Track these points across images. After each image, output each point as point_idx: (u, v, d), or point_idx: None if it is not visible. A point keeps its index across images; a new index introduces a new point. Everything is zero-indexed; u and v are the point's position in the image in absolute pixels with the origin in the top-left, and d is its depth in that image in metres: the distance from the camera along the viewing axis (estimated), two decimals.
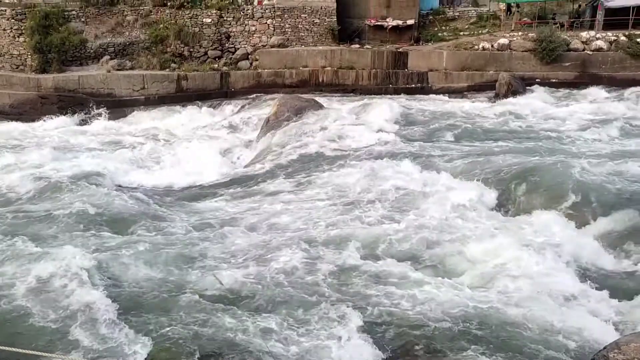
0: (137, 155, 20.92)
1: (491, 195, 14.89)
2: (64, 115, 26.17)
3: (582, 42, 30.02)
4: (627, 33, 30.10)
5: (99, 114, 26.39)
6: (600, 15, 31.39)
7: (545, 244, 12.18)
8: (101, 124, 25.64)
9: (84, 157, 19.61)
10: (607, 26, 31.13)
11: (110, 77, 27.66)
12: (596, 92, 27.38)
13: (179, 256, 12.27)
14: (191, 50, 30.43)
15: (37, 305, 10.25)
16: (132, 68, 28.89)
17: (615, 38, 29.92)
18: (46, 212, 14.40)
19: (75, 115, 26.25)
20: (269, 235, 13.28)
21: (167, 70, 28.84)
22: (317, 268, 11.53)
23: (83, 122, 26.05)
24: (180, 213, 15.03)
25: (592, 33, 30.54)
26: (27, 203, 15.28)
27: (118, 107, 27.24)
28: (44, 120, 25.56)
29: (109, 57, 29.05)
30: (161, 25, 29.94)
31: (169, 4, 30.62)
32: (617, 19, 30.98)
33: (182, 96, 28.21)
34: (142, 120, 26.29)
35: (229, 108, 27.37)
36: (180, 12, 30.37)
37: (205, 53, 30.67)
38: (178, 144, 22.14)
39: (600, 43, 29.78)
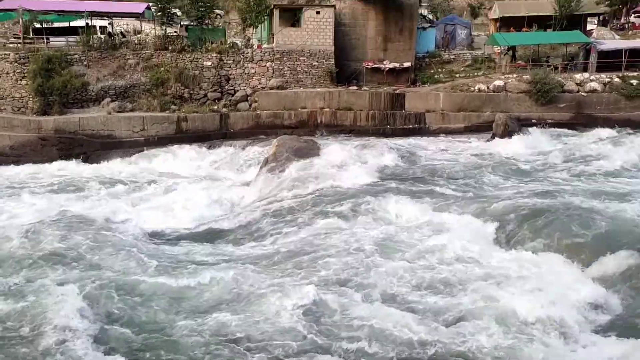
0: (133, 196, 20.85)
1: (491, 235, 14.81)
2: (64, 157, 26.25)
3: (577, 83, 30.57)
4: (620, 75, 30.69)
5: (99, 155, 26.47)
6: (593, 58, 32.08)
7: (548, 284, 12.04)
8: (101, 165, 25.67)
9: (81, 199, 19.54)
10: (600, 68, 31.79)
11: (111, 119, 27.92)
12: (591, 132, 27.66)
13: (172, 301, 12.07)
14: (191, 92, 30.85)
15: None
16: (132, 110, 29.20)
17: (609, 80, 30.48)
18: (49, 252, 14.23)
19: (75, 156, 26.32)
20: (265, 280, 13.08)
21: (167, 112, 29.15)
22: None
23: (82, 164, 26.10)
24: (175, 255, 14.85)
25: (586, 75, 31.13)
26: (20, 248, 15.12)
27: (118, 148, 27.39)
28: (45, 163, 25.63)
29: (109, 99, 29.41)
30: (162, 68, 30.43)
31: (170, 47, 31.23)
32: (609, 61, 31.68)
33: (181, 137, 28.39)
34: (141, 161, 26.36)
35: (228, 149, 27.50)
36: (181, 56, 30.93)
37: (205, 95, 31.07)
38: (176, 185, 22.10)
39: (595, 85, 30.31)
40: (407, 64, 34.17)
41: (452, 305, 11.64)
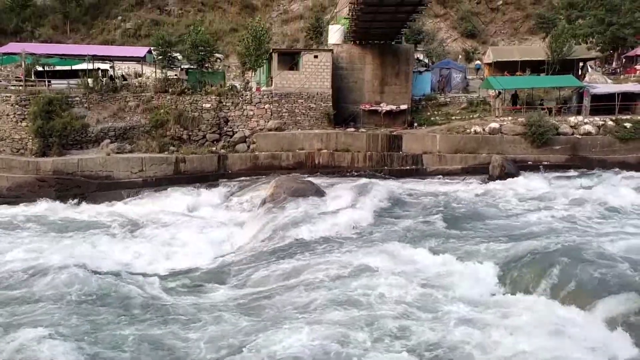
0: (127, 237, 20.70)
1: (492, 278, 14.67)
2: (61, 198, 26.23)
3: (571, 126, 30.99)
4: (614, 118, 31.16)
5: (96, 196, 26.46)
6: (587, 101, 32.63)
7: (550, 329, 11.84)
8: (97, 207, 25.60)
9: (76, 241, 19.38)
10: (594, 111, 32.31)
11: (109, 160, 28.05)
12: (586, 173, 27.88)
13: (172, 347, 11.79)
14: (190, 133, 31.13)
15: None
16: (131, 151, 29.38)
17: (603, 123, 30.93)
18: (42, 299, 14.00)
19: (72, 197, 26.30)
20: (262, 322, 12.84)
21: (165, 153, 29.34)
22: None
23: (78, 205, 26.05)
24: (172, 298, 14.62)
25: (580, 118, 31.60)
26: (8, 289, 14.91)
27: (115, 189, 27.41)
28: (38, 203, 25.57)
29: (109, 140, 29.63)
30: (162, 110, 30.80)
31: (170, 90, 31.71)
32: (602, 104, 32.22)
33: (179, 178, 28.49)
34: (139, 202, 26.35)
35: (226, 190, 27.57)
36: (181, 98, 31.36)
37: (204, 136, 31.34)
38: (171, 226, 21.99)
39: (589, 127, 30.72)
40: (403, 107, 34.68)
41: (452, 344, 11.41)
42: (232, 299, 14.48)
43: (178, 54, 36.05)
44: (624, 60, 42.84)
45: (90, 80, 31.05)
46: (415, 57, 39.92)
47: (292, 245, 18.33)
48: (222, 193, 27.16)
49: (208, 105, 31.54)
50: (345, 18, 34.83)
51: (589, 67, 42.00)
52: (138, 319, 13.18)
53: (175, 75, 35.67)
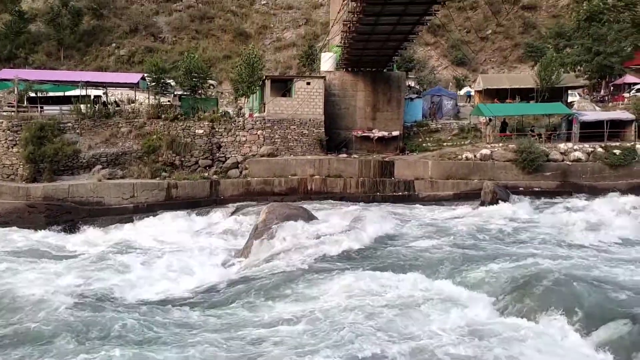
0: (119, 264, 20.39)
1: (488, 304, 14.58)
2: (51, 224, 25.98)
3: (561, 153, 31.31)
4: (603, 145, 31.53)
5: (86, 223, 26.23)
6: (576, 128, 33.05)
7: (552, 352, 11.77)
8: (88, 233, 25.34)
9: (63, 268, 19.10)
10: (583, 138, 32.72)
11: (101, 185, 27.90)
12: (577, 200, 28.03)
13: None
14: (182, 159, 31.12)
15: None
16: (123, 177, 29.28)
17: (593, 149, 31.27)
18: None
19: (62, 223, 26.06)
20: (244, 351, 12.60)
21: (157, 178, 29.25)
22: None
23: (68, 232, 25.78)
24: (163, 326, 14.36)
25: (570, 145, 31.96)
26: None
27: (106, 215, 27.19)
28: (31, 229, 25.29)
29: (100, 166, 29.54)
30: (154, 136, 30.82)
31: (163, 116, 31.79)
32: (592, 131, 32.64)
33: (171, 204, 28.34)
34: (128, 228, 26.08)
35: (218, 216, 27.40)
36: (173, 124, 31.45)
37: (197, 162, 31.33)
38: (163, 253, 21.72)
39: (579, 154, 31.04)
40: (395, 133, 34.96)
41: None
42: (216, 330, 14.22)
43: (171, 80, 36.32)
44: (611, 88, 43.61)
45: (82, 106, 31.10)
46: (407, 84, 40.44)
47: (285, 272, 18.13)
48: (214, 219, 26.98)
49: (201, 131, 31.63)
50: (337, 46, 35.34)
51: (576, 95, 42.65)
52: (123, 342, 12.93)
53: (169, 101, 35.85)
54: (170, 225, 26.00)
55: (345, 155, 33.04)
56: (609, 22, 41.97)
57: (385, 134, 34.88)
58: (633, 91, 41.41)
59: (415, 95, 40.64)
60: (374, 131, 35.13)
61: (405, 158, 32.50)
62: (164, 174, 29.73)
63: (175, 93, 38.01)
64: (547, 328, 13.09)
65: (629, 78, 43.00)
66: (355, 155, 32.89)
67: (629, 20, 42.31)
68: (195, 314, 15.30)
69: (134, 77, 37.15)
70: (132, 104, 35.48)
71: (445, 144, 34.55)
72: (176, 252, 21.80)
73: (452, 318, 13.68)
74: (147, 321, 14.46)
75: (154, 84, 34.16)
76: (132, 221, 26.87)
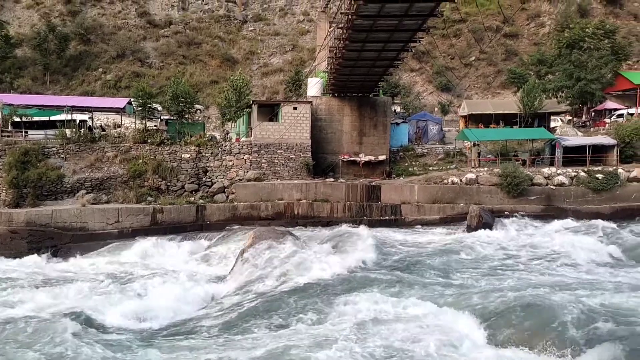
0: (105, 292, 20.02)
1: (474, 330, 14.49)
2: (34, 250, 25.52)
3: (545, 177, 31.66)
4: (586, 169, 31.97)
5: (70, 248, 25.79)
6: (559, 153, 33.53)
7: None
8: (71, 260, 24.88)
9: (43, 296, 18.69)
10: (566, 163, 33.17)
11: (85, 211, 27.54)
12: (562, 223, 28.25)
13: None
14: (169, 184, 30.94)
15: None
16: (107, 202, 28.98)
17: (576, 174, 31.68)
18: None
19: (45, 250, 25.60)
20: None
21: (143, 203, 28.98)
22: None
23: (51, 257, 25.32)
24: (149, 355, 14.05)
25: (553, 169, 32.36)
26: None
27: (90, 240, 26.78)
28: (14, 257, 24.82)
29: (85, 191, 29.23)
30: (140, 161, 30.66)
31: (149, 140, 31.69)
32: (574, 156, 33.13)
33: (156, 229, 28.04)
34: (113, 254, 25.65)
35: (204, 241, 27.11)
36: (160, 148, 31.35)
37: (183, 187, 31.16)
38: (147, 279, 21.37)
39: (562, 178, 31.43)
40: (382, 157, 35.18)
41: None
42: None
43: (158, 105, 36.32)
44: (593, 113, 44.49)
45: (68, 131, 30.91)
46: (393, 109, 40.88)
47: (272, 297, 17.93)
48: (200, 244, 26.69)
49: (187, 156, 31.55)
50: (324, 71, 35.73)
51: (558, 120, 43.41)
52: None
53: (155, 126, 35.80)
54: (154, 251, 25.64)
55: (332, 179, 33.09)
56: (589, 50, 43.05)
57: (372, 158, 35.09)
58: (614, 117, 42.27)
59: (401, 120, 41.05)
60: (360, 155, 35.33)
61: (392, 182, 32.63)
62: (149, 198, 29.48)
63: (161, 118, 38.00)
64: (533, 355, 13.03)
65: (610, 104, 43.95)
66: (342, 180, 32.96)
67: (609, 47, 43.45)
68: (164, 344, 14.92)
69: (120, 102, 37.11)
70: (118, 129, 35.39)
71: (431, 168, 34.81)
72: (159, 277, 21.45)
73: (433, 344, 13.55)
74: (113, 348, 14.15)
75: (140, 108, 34.14)
76: (116, 246, 26.42)
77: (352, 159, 35.21)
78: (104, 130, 34.92)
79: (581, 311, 14.49)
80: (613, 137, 34.26)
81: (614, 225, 27.03)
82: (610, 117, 42.46)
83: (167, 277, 21.60)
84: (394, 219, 30.47)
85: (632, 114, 41.04)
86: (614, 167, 32.11)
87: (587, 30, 44.08)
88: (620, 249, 23.32)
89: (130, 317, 17.17)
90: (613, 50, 43.86)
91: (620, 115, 41.75)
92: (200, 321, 16.89)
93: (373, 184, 31.99)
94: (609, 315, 14.28)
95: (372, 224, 29.67)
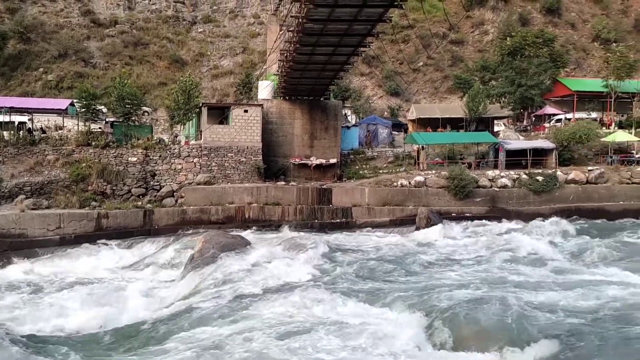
0: (47, 299, 19.17)
1: (417, 330, 14.76)
2: None
3: (489, 179, 32.77)
4: (527, 172, 33.32)
5: (7, 256, 24.52)
6: (502, 156, 34.79)
7: None
8: (8, 268, 23.66)
9: None
10: (509, 165, 34.46)
11: (24, 216, 26.30)
12: (505, 224, 29.31)
13: None
14: (114, 188, 30.01)
15: None
16: (48, 207, 27.78)
17: (518, 176, 32.96)
18: None
19: None
20: None
21: (86, 208, 27.97)
22: None
23: None
24: None
25: (497, 172, 33.54)
26: None
27: (29, 247, 25.57)
28: None
29: (24, 196, 27.92)
30: (84, 164, 29.59)
31: (93, 143, 30.64)
32: (516, 159, 34.48)
33: (101, 235, 27.14)
34: (53, 261, 24.60)
35: (152, 246, 26.50)
36: (104, 152, 30.37)
37: (129, 191, 30.29)
38: (91, 286, 20.62)
39: (505, 181, 32.61)
40: (333, 160, 35.42)
41: None
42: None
43: (103, 106, 35.19)
44: (533, 118, 46.45)
45: (5, 133, 29.46)
46: (343, 112, 41.26)
47: (222, 302, 17.66)
48: (148, 249, 26.04)
49: (134, 159, 30.71)
50: (274, 74, 35.64)
51: (502, 125, 45.08)
52: None
53: (100, 128, 34.65)
54: (97, 257, 24.78)
55: (283, 182, 33.03)
56: (529, 57, 44.96)
57: (323, 161, 35.27)
58: (553, 121, 44.29)
59: (352, 124, 41.49)
60: (311, 159, 35.44)
61: (343, 185, 32.91)
62: (93, 203, 28.48)
63: (107, 120, 36.82)
64: (472, 353, 13.35)
65: (549, 109, 46.04)
66: (294, 183, 32.96)
67: (547, 55, 45.53)
68: (118, 349, 14.50)
69: (62, 103, 35.74)
70: (60, 131, 33.96)
71: (381, 171, 35.33)
72: (102, 285, 20.73)
73: (378, 345, 13.71)
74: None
75: (84, 110, 32.96)
76: (57, 253, 25.37)
77: (303, 162, 35.27)
78: (44, 132, 33.44)
79: (521, 309, 14.99)
80: (552, 141, 35.87)
81: (553, 225, 28.26)
82: (549, 122, 44.47)
83: (111, 283, 20.92)
84: (345, 221, 30.71)
85: (569, 119, 43.13)
86: (553, 170, 33.61)
87: (527, 38, 46.05)
88: (557, 248, 24.43)
89: (68, 325, 16.52)
90: (551, 58, 46.00)
91: (559, 120, 43.81)
92: (142, 328, 16.43)
93: (324, 187, 32.15)
94: (546, 312, 14.89)
95: (323, 227, 29.84)
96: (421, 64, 56.67)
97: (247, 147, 32.79)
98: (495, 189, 32.41)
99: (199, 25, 60.33)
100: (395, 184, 32.16)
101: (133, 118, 33.78)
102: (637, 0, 67.37)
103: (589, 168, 34.17)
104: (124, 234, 27.59)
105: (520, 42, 45.63)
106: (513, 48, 45.74)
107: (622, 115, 44.65)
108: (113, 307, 18.21)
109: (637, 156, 36.73)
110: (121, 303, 18.62)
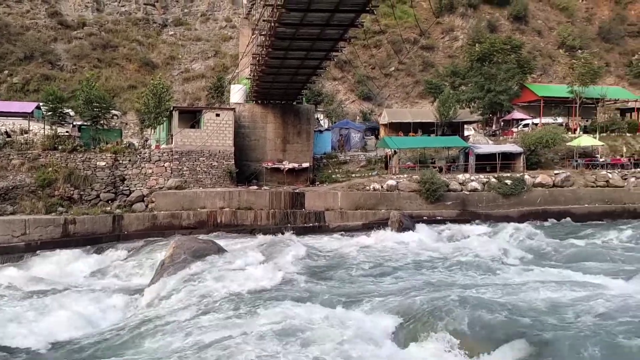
0: (8, 309, 18.57)
1: (389, 328, 14.86)
2: None
3: (460, 183, 33.28)
4: (496, 175, 33.95)
5: None
6: (472, 160, 35.39)
7: None
8: None
9: None
10: (479, 169, 35.07)
11: None
12: (475, 227, 29.76)
13: None
14: (82, 193, 29.35)
15: None
16: (13, 213, 26.99)
17: (487, 180, 33.57)
18: None
19: None
20: None
21: (53, 214, 27.27)
22: None
23: None
24: None
25: (467, 175, 34.10)
26: None
27: None
28: None
29: None
30: (50, 169, 28.87)
31: (60, 147, 29.93)
32: (486, 163, 35.12)
33: (68, 241, 26.46)
34: (18, 268, 23.86)
35: (121, 252, 25.90)
36: (72, 156, 29.70)
37: (98, 196, 29.67)
38: (57, 294, 20.07)
39: (475, 184, 33.17)
40: (305, 165, 35.42)
41: None
42: None
43: (70, 110, 34.45)
44: (502, 123, 47.38)
45: None
46: (316, 117, 41.34)
47: (193, 309, 17.42)
48: (117, 256, 25.49)
49: (103, 164, 30.11)
50: (247, 78, 35.51)
51: (471, 129, 45.87)
52: None
53: (67, 132, 33.89)
54: (64, 264, 24.13)
55: (255, 187, 32.85)
56: (498, 63, 45.89)
57: (296, 165, 35.24)
58: (520, 126, 45.27)
59: (324, 128, 41.60)
60: (284, 163, 35.36)
61: (316, 189, 32.92)
62: (60, 209, 27.79)
63: (74, 123, 36.04)
64: (441, 353, 13.50)
65: (517, 114, 47.04)
66: (266, 187, 32.81)
67: (515, 61, 46.56)
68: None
69: (27, 106, 34.84)
70: (26, 135, 33.07)
71: (353, 175, 35.50)
72: (68, 292, 20.18)
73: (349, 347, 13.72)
74: None
75: (50, 113, 32.17)
76: (21, 260, 24.63)
77: (276, 166, 35.17)
78: (9, 136, 32.49)
79: (491, 309, 15.25)
80: (520, 145, 36.68)
81: (520, 227, 28.85)
82: (517, 127, 45.44)
83: (77, 290, 20.39)
84: (318, 225, 30.71)
85: (536, 124, 44.16)
86: (521, 174, 34.35)
87: (495, 45, 47.01)
88: (524, 250, 24.94)
89: (28, 334, 16.02)
90: (519, 64, 47.05)
91: (526, 125, 44.81)
92: (111, 335, 16.07)
93: (297, 191, 32.10)
94: (515, 312, 15.14)
95: (296, 231, 29.69)
96: (393, 69, 57.29)
97: (219, 151, 32.52)
98: (466, 192, 32.91)
99: (169, 28, 59.73)
100: (367, 187, 32.35)
101: (102, 121, 33.14)
102: (601, 8, 69.62)
103: (556, 172, 35.05)
104: (92, 240, 26.99)
105: (489, 49, 46.56)
106: (482, 54, 46.63)
107: (587, 120, 45.94)
108: (79, 315, 17.76)
109: (601, 160, 37.86)
110: (88, 311, 18.19)
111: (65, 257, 24.86)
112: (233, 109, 34.33)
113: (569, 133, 41.60)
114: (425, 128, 43.08)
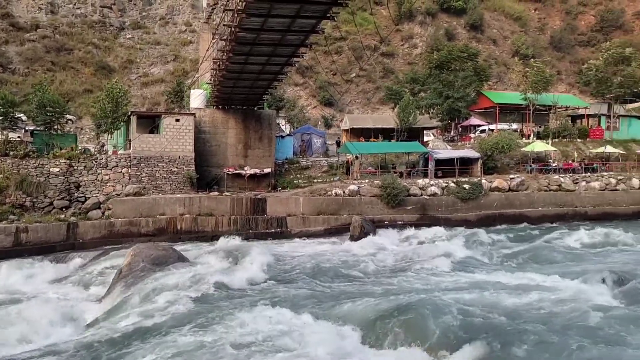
0: None
1: (351, 334, 14.91)
2: None
3: (420, 188, 33.81)
4: (455, 180, 34.66)
5: None
6: (431, 165, 36.03)
7: None
8: None
9: None
10: (438, 174, 35.68)
11: None
12: (435, 231, 30.28)
13: None
14: (34, 200, 28.34)
15: None
16: None
17: (446, 184, 34.23)
18: None
19: None
20: None
21: (4, 222, 26.23)
22: None
23: None
24: None
25: (427, 180, 34.69)
26: None
27: None
28: None
29: None
30: (0, 175, 27.75)
31: (11, 153, 28.83)
32: (445, 168, 35.83)
33: (20, 250, 25.53)
34: None
35: (76, 261, 25.04)
36: (24, 162, 28.65)
37: (51, 203, 28.70)
38: (7, 307, 19.21)
39: (435, 189, 33.77)
40: (267, 170, 35.27)
41: None
42: None
43: (22, 114, 33.26)
44: (460, 129, 48.48)
45: None
46: (277, 122, 41.25)
47: (152, 320, 17.01)
48: (71, 265, 24.65)
49: (56, 170, 29.16)
50: (207, 83, 35.13)
51: (431, 135, 46.74)
52: None
53: (19, 137, 32.66)
54: (14, 275, 23.11)
55: (216, 193, 32.47)
56: (455, 71, 47.00)
57: (257, 171, 35.04)
58: (477, 132, 46.42)
59: (286, 133, 41.56)
60: (245, 168, 35.12)
61: (278, 195, 32.81)
62: (11, 217, 26.73)
63: (27, 128, 34.78)
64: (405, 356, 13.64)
65: (474, 120, 48.25)
66: (227, 193, 32.47)
67: (472, 69, 47.79)
68: None
69: None
70: None
71: (315, 180, 35.57)
72: (18, 305, 19.30)
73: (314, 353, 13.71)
74: None
75: (1, 118, 30.95)
76: None
77: (237, 171, 34.88)
78: None
79: (451, 312, 15.52)
80: (477, 150, 37.59)
81: (477, 231, 29.54)
82: (474, 133, 46.57)
83: (28, 303, 19.51)
84: (280, 231, 30.61)
85: (492, 130, 45.38)
86: (479, 178, 35.20)
87: (453, 53, 48.15)
88: (480, 253, 25.54)
89: None
90: (476, 71, 48.33)
91: (483, 131, 45.98)
92: (64, 349, 15.47)
93: (259, 196, 31.91)
94: (472, 314, 15.46)
95: (258, 237, 29.56)
96: (354, 75, 57.85)
97: (179, 157, 32.01)
98: (426, 197, 33.45)
99: (127, 32, 58.55)
100: (329, 193, 32.46)
101: (55, 127, 32.11)
102: (553, 18, 72.37)
103: (511, 176, 36.08)
104: (46, 248, 26.08)
105: (447, 56, 47.64)
106: (440, 61, 47.66)
107: (540, 127, 47.54)
108: (30, 328, 17.05)
109: (554, 165, 39.22)
110: (39, 324, 17.47)
111: (16, 267, 23.87)
112: (193, 114, 33.88)
113: (523, 139, 42.94)
114: (386, 134, 43.63)
